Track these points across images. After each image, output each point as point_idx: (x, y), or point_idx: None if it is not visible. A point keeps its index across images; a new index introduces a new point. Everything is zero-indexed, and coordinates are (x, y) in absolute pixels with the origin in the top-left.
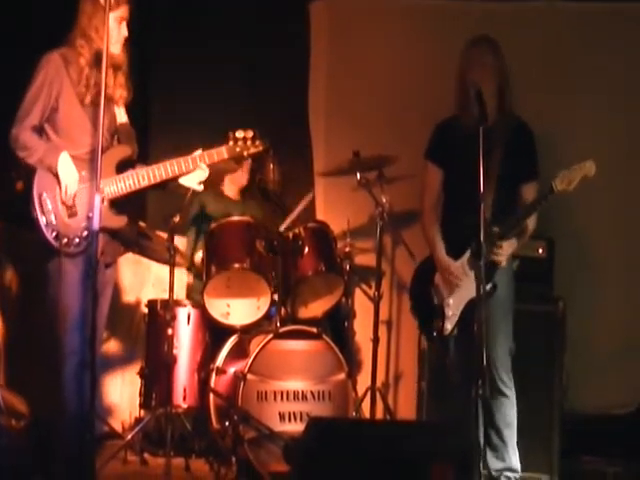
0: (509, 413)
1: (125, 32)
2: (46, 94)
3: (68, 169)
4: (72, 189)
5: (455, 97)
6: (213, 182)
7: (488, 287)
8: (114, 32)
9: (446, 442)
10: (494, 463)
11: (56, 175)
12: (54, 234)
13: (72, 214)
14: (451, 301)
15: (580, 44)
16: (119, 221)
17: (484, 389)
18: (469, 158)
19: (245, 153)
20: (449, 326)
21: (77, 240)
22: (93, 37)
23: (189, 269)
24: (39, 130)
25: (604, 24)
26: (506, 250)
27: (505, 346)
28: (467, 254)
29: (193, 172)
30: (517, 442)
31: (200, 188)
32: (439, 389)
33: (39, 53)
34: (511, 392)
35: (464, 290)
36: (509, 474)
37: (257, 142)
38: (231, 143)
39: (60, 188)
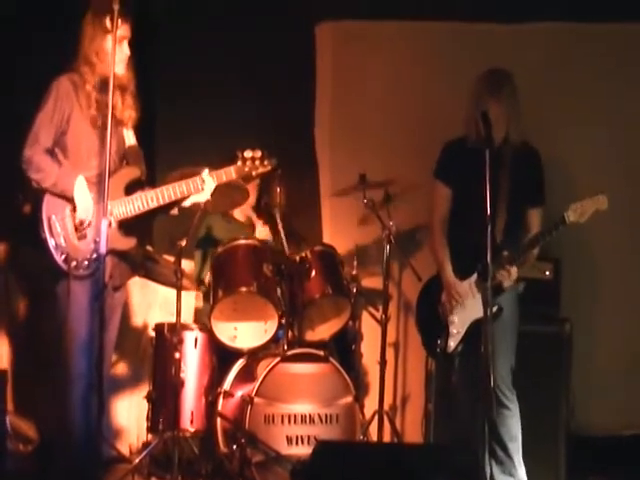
0: (513, 426)
1: (127, 51)
2: (57, 117)
3: (84, 194)
4: (89, 214)
5: (464, 119)
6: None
7: (494, 309)
8: (116, 52)
9: (452, 462)
10: (501, 477)
11: (71, 200)
12: (63, 257)
13: (82, 237)
14: (456, 319)
15: (583, 64)
16: (128, 243)
17: (491, 410)
18: (478, 178)
19: (254, 173)
20: (452, 344)
21: (86, 263)
22: (94, 61)
23: (199, 289)
24: (51, 153)
25: (607, 43)
26: (513, 275)
27: (506, 365)
28: (474, 275)
29: (201, 192)
30: (524, 462)
31: (207, 197)
32: (446, 411)
33: (40, 78)
34: (513, 405)
35: (469, 310)
36: None
37: (266, 162)
38: (239, 163)
39: (72, 211)
